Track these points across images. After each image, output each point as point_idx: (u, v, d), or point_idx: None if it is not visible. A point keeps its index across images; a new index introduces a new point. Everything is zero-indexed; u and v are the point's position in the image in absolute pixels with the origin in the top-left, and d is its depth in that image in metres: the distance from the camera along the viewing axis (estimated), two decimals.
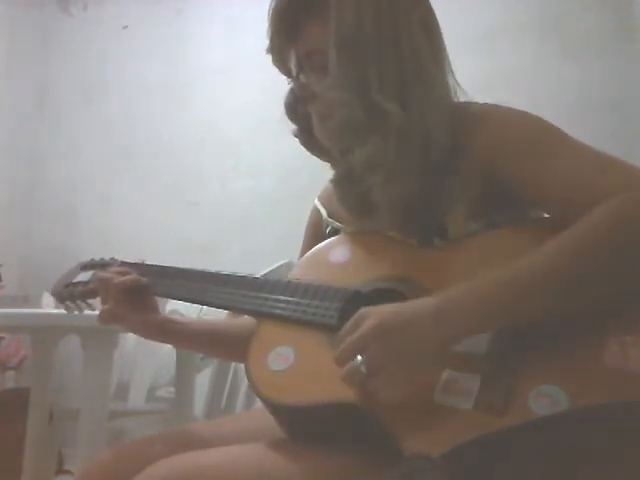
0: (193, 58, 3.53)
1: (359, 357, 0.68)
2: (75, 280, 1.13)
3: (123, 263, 1.08)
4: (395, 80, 0.86)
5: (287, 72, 0.95)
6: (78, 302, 1.11)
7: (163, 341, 1.05)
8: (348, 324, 0.72)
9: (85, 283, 1.11)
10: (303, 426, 0.79)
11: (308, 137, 0.97)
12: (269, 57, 0.95)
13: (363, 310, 0.72)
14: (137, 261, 1.09)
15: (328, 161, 0.98)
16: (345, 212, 0.95)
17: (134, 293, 0.99)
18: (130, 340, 2.53)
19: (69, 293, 1.11)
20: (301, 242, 1.11)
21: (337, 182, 0.93)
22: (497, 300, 0.70)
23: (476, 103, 0.90)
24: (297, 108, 0.96)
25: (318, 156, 0.99)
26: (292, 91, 0.97)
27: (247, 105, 3.21)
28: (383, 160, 0.84)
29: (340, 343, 0.71)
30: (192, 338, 1.06)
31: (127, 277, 1.00)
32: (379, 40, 0.86)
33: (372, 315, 0.70)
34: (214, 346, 1.11)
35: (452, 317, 0.70)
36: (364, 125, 0.85)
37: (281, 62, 0.94)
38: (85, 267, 1.16)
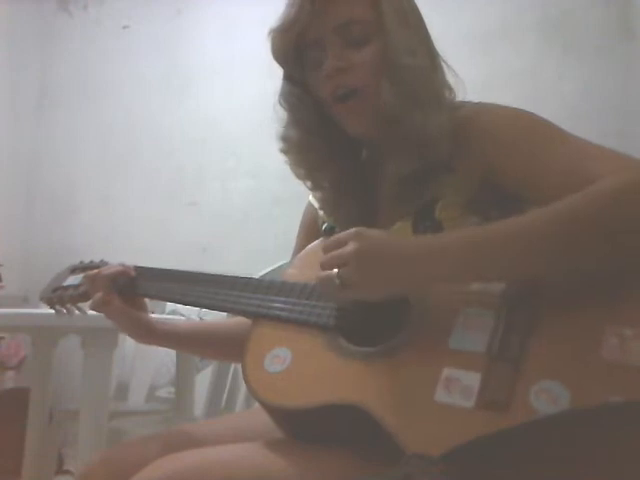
0: (193, 58, 3.53)
1: (335, 270, 0.75)
2: (65, 284, 1.12)
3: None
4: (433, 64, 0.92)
5: (297, 52, 0.93)
6: (68, 306, 1.10)
7: (151, 342, 1.05)
8: (340, 236, 0.77)
9: (75, 286, 1.10)
10: (302, 427, 0.78)
11: (302, 154, 0.98)
12: (270, 55, 0.94)
13: (357, 230, 0.76)
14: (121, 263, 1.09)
15: (310, 183, 1.00)
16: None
17: (125, 286, 1.01)
18: (130, 340, 2.52)
19: (59, 297, 1.10)
20: None
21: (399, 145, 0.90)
22: (481, 253, 0.71)
23: (469, 102, 0.90)
24: (302, 99, 0.95)
25: (305, 175, 0.99)
26: (291, 83, 0.96)
27: (247, 105, 3.20)
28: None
29: (326, 250, 0.77)
30: (180, 339, 1.06)
31: (114, 267, 1.02)
32: (417, 21, 0.94)
33: (360, 238, 0.75)
34: (202, 347, 1.12)
35: (434, 260, 0.73)
36: (435, 93, 0.89)
37: (298, 38, 0.91)
38: (75, 270, 1.14)
